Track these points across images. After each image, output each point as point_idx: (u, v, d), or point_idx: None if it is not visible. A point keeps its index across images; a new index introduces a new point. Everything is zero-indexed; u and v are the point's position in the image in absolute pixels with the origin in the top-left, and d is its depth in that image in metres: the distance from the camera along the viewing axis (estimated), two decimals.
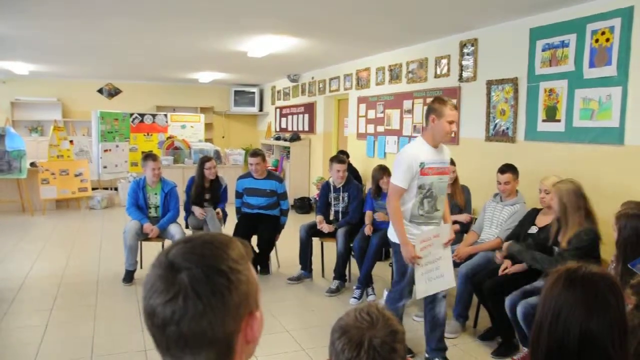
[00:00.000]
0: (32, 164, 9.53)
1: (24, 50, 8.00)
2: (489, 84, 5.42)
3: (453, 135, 3.72)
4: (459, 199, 5.06)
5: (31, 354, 3.81)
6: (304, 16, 5.33)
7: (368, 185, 7.68)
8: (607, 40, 4.17)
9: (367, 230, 5.28)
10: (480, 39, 5.58)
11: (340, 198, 5.65)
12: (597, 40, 4.26)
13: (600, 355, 1.43)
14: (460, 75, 5.85)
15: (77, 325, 4.41)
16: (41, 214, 9.38)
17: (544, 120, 4.82)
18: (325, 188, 5.80)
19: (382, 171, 5.43)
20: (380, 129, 7.60)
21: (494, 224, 4.54)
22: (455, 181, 5.01)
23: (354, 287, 5.21)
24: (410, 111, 6.83)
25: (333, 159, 5.74)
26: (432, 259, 3.63)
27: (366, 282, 5.16)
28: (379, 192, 5.44)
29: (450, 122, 3.49)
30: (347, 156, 7.85)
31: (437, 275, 3.68)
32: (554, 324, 1.47)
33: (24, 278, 5.61)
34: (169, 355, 0.93)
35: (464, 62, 5.80)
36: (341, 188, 5.64)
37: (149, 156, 5.70)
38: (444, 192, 3.69)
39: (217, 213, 6.05)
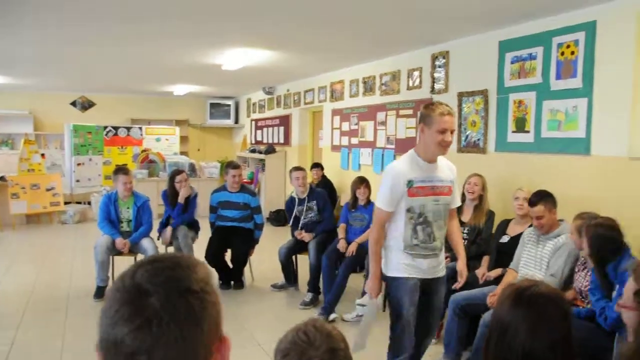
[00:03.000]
0: (2, 178, 9.35)
1: None
2: (460, 95, 5.49)
3: (448, 146, 3.02)
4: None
5: None
6: (277, 30, 5.35)
7: (343, 197, 7.71)
8: (572, 53, 4.26)
9: (341, 245, 5.23)
10: (451, 52, 5.66)
11: (307, 208, 5.61)
12: (562, 53, 4.36)
13: None
14: (432, 87, 5.91)
15: (45, 342, 4.31)
16: (11, 228, 9.19)
17: (513, 132, 4.90)
18: (289, 203, 5.78)
19: (360, 182, 5.42)
20: (355, 141, 7.64)
21: (536, 263, 3.81)
22: (480, 203, 4.60)
23: (317, 313, 4.92)
24: (384, 123, 6.88)
25: (292, 169, 5.75)
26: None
27: (330, 308, 4.88)
28: (355, 204, 5.43)
29: (442, 131, 2.93)
30: (322, 168, 7.89)
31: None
32: (500, 341, 1.47)
33: None
34: None
35: (435, 75, 5.87)
36: (306, 198, 5.62)
37: (120, 170, 5.63)
38: (444, 217, 3.12)
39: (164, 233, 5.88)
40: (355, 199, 5.41)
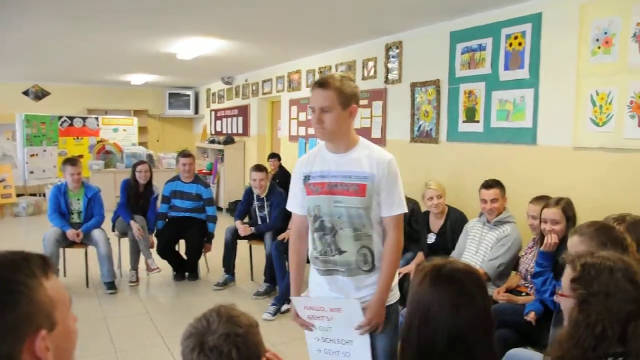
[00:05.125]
0: None
1: None
2: (413, 86, 5.53)
3: (320, 130, 2.28)
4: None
5: None
6: (230, 18, 5.28)
7: None
8: (520, 44, 4.35)
9: (288, 235, 5.20)
10: (404, 42, 5.70)
11: (264, 206, 5.57)
12: (510, 44, 4.43)
13: (469, 355, 1.43)
14: (387, 78, 5.95)
15: None
16: None
17: (464, 122, 4.97)
18: (248, 194, 5.70)
19: None
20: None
21: (480, 250, 3.88)
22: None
23: (270, 303, 4.85)
24: None
25: (252, 168, 5.61)
26: (335, 337, 2.39)
27: (284, 298, 4.75)
28: None
29: (312, 110, 2.30)
30: (279, 158, 7.87)
31: None
32: (423, 324, 1.45)
33: None
34: None
35: (389, 65, 5.91)
36: (264, 198, 5.55)
37: (67, 160, 5.51)
38: (358, 224, 2.31)
39: (139, 229, 5.63)
40: None
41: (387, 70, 5.93)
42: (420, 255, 4.35)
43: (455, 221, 4.34)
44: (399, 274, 4.16)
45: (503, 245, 3.74)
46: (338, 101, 2.24)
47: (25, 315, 0.95)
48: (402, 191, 2.37)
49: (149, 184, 5.94)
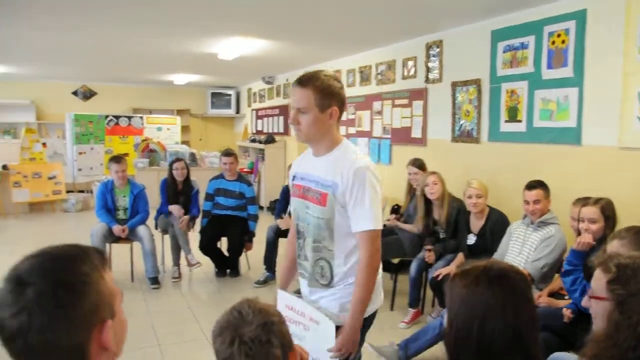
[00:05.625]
0: (4, 167, 9.44)
1: None
2: (454, 85, 5.49)
3: (298, 130, 2.15)
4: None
5: None
6: (272, 19, 5.36)
7: None
8: (563, 42, 4.26)
9: None
10: (445, 41, 5.66)
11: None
12: (553, 42, 4.35)
13: (527, 354, 1.40)
14: (427, 77, 5.92)
15: None
16: (14, 217, 9.29)
17: (506, 121, 4.90)
18: (285, 192, 5.82)
19: None
20: (352, 130, 7.65)
21: (523, 251, 3.84)
22: (443, 199, 4.59)
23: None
24: (380, 112, 6.89)
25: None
26: (307, 350, 1.95)
27: None
28: None
29: (292, 108, 2.18)
30: None
31: None
32: (481, 326, 1.39)
33: None
34: None
35: (430, 64, 5.87)
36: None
37: (112, 158, 5.70)
38: (324, 236, 2.16)
39: (182, 220, 5.82)
40: None
41: (428, 70, 5.90)
42: (460, 257, 4.32)
43: (496, 222, 4.30)
44: (439, 275, 4.19)
45: (547, 246, 3.69)
46: (316, 102, 2.08)
47: (94, 306, 1.00)
48: (375, 205, 2.07)
49: (187, 180, 6.08)
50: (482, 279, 1.44)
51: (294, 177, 2.33)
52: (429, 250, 4.53)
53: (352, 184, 2.06)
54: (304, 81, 2.10)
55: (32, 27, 5.99)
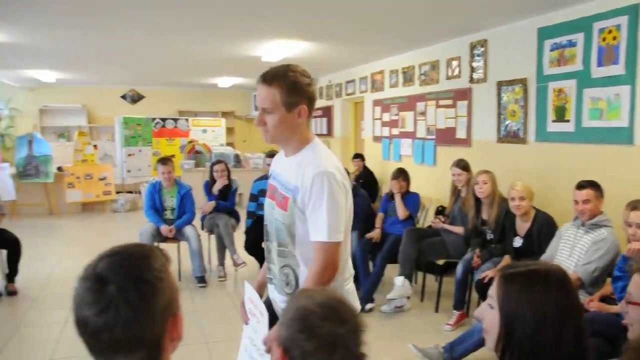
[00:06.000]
0: (59, 169, 9.82)
1: (50, 59, 8.27)
2: (499, 84, 5.41)
3: (264, 131, 2.04)
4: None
5: (48, 350, 3.96)
6: (315, 21, 5.41)
7: (384, 187, 7.73)
8: (614, 38, 4.15)
9: (376, 234, 5.27)
10: (489, 40, 5.58)
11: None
12: (604, 39, 4.24)
13: (580, 354, 1.36)
14: (471, 77, 5.85)
15: None
16: (67, 216, 9.65)
17: (553, 121, 4.80)
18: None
19: (397, 173, 5.46)
20: (395, 131, 7.63)
21: (574, 254, 3.71)
22: (494, 199, 4.57)
23: None
24: (424, 113, 6.85)
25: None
26: (258, 344, 2.00)
27: (368, 298, 4.84)
28: (392, 194, 5.47)
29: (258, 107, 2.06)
30: (363, 159, 7.92)
31: None
32: (536, 329, 1.33)
33: (49, 277, 5.84)
34: (102, 357, 1.05)
35: (474, 64, 5.81)
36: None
37: (159, 160, 5.86)
38: (286, 240, 2.03)
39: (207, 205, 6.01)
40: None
41: (472, 70, 5.84)
42: (506, 259, 4.25)
43: (542, 224, 4.19)
44: (485, 277, 4.11)
45: (599, 249, 3.53)
46: (282, 101, 1.93)
47: (168, 300, 1.07)
48: (333, 215, 1.90)
49: (228, 179, 6.18)
50: (542, 283, 1.37)
51: (270, 175, 2.21)
52: (478, 256, 4.47)
53: (310, 190, 1.92)
54: (269, 78, 1.95)
55: (81, 35, 6.24)
